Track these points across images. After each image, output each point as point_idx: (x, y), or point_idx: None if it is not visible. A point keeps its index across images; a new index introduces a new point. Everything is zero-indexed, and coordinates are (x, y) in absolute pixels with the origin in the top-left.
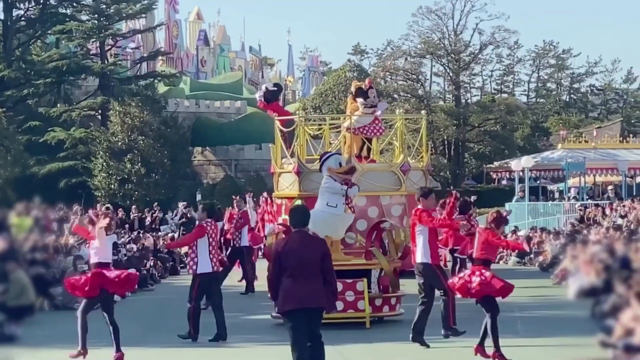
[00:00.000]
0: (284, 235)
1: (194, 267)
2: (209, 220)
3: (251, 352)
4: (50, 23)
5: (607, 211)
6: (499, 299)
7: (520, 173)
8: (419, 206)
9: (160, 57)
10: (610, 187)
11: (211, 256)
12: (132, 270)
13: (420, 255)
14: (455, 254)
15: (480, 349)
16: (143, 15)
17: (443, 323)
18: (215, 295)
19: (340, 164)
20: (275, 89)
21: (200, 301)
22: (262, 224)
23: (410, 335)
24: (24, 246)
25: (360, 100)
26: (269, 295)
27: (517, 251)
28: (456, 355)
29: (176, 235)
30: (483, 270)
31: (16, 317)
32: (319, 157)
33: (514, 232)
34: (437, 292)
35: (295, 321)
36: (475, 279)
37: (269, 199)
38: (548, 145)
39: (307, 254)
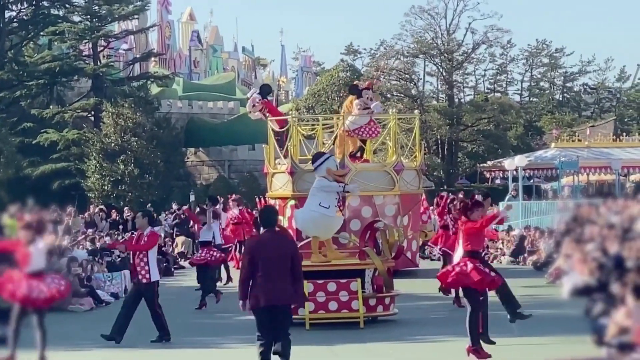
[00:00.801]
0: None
1: (147, 275)
2: (153, 228)
3: (245, 352)
4: (43, 24)
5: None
6: (490, 298)
7: (514, 172)
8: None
9: (152, 58)
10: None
11: (157, 263)
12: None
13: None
14: (443, 248)
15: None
16: (135, 16)
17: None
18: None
19: (337, 167)
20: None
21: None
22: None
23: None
24: None
25: (355, 101)
26: (238, 295)
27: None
28: (450, 353)
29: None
30: (468, 262)
31: (5, 319)
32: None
33: (508, 231)
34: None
35: (263, 317)
36: (456, 269)
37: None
38: (541, 144)
39: (277, 254)
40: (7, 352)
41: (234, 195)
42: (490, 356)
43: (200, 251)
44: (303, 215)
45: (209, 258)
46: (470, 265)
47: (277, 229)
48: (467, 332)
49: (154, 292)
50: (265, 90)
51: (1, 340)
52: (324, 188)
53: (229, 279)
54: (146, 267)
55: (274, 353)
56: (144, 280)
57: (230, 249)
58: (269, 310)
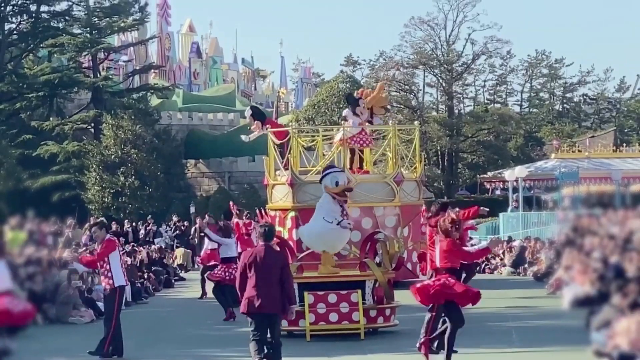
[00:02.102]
0: (278, 248)
1: (111, 281)
2: (109, 235)
3: None
4: (43, 37)
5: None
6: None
7: (514, 183)
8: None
9: (152, 70)
10: None
11: (122, 269)
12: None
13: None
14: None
15: None
16: (135, 28)
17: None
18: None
19: (336, 183)
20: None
21: (119, 315)
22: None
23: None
24: (17, 260)
25: (346, 110)
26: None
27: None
28: None
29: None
30: (442, 278)
31: (10, 331)
32: (312, 168)
33: (508, 242)
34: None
35: (255, 322)
36: (437, 282)
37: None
38: (541, 155)
39: (268, 264)
40: None
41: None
42: None
43: (219, 267)
44: (310, 231)
45: (225, 277)
46: (452, 280)
47: (272, 242)
48: (445, 347)
49: (114, 298)
50: (256, 112)
51: (6, 352)
52: (325, 205)
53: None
54: (109, 274)
55: (265, 357)
56: (108, 287)
57: None
58: (260, 315)
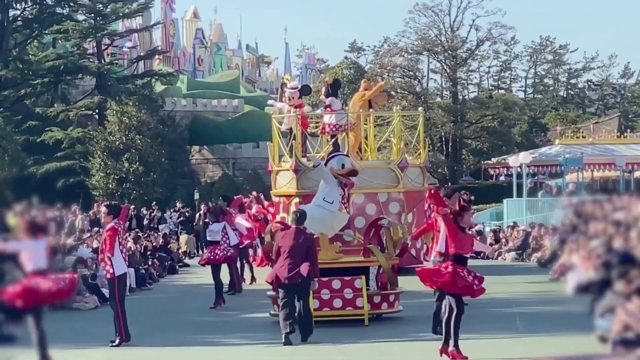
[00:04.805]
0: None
1: (111, 270)
2: (117, 220)
3: (249, 350)
4: (47, 23)
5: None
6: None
7: (518, 169)
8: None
9: (157, 56)
10: None
11: (123, 256)
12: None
13: (440, 244)
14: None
15: (445, 349)
16: (139, 14)
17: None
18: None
19: (342, 166)
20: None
21: (123, 303)
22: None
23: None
24: None
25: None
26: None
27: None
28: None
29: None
30: (450, 266)
31: (15, 317)
32: (316, 154)
33: (513, 227)
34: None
35: (284, 293)
36: (443, 273)
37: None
38: (546, 141)
39: (297, 243)
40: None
41: (254, 193)
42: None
43: (206, 251)
44: (310, 213)
45: (211, 257)
46: (450, 269)
47: (302, 225)
48: (452, 333)
49: (114, 287)
50: (305, 90)
51: (10, 338)
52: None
53: (253, 279)
54: (109, 262)
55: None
56: (108, 276)
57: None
58: (288, 286)
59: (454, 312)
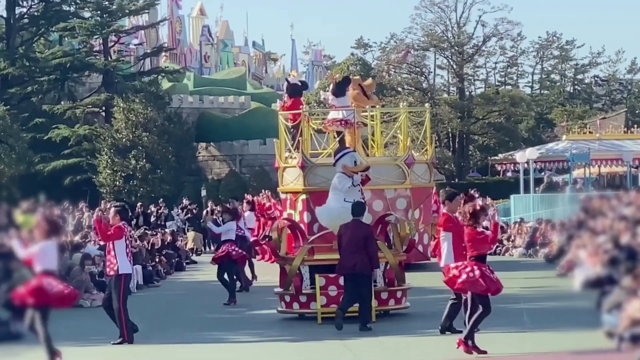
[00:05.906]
0: (289, 231)
1: (115, 268)
2: (124, 222)
3: (257, 347)
4: (54, 20)
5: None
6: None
7: (525, 165)
8: (444, 210)
9: (163, 53)
10: None
11: (128, 257)
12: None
13: (444, 259)
14: None
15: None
16: (146, 11)
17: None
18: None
19: (355, 163)
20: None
21: (126, 302)
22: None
23: (440, 328)
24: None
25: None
26: None
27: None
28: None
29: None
30: (475, 267)
31: (21, 315)
32: (323, 151)
33: (520, 223)
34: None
35: (345, 280)
36: (463, 276)
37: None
38: (552, 137)
39: (356, 234)
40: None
41: (266, 191)
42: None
43: (221, 248)
44: (330, 212)
45: (230, 251)
46: (477, 272)
47: (361, 216)
48: (468, 328)
49: (120, 286)
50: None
51: (17, 336)
52: (342, 187)
53: (254, 277)
54: (114, 260)
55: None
56: (112, 273)
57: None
58: (349, 275)
59: (481, 311)
